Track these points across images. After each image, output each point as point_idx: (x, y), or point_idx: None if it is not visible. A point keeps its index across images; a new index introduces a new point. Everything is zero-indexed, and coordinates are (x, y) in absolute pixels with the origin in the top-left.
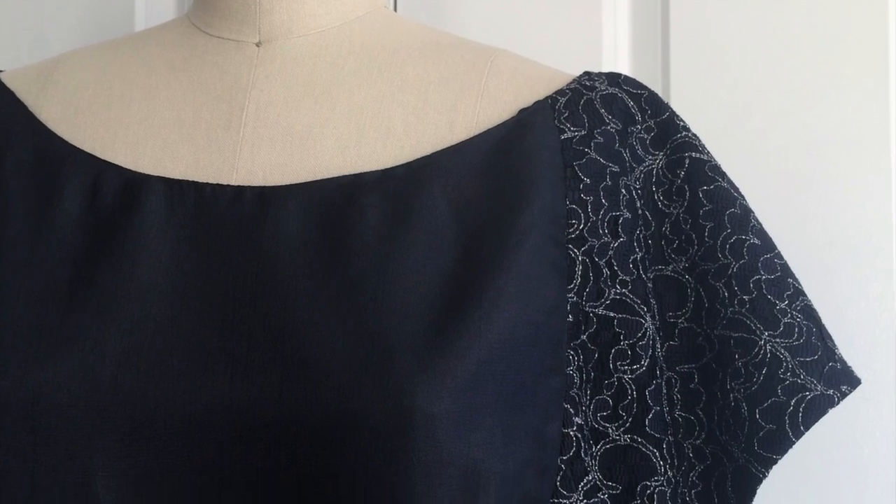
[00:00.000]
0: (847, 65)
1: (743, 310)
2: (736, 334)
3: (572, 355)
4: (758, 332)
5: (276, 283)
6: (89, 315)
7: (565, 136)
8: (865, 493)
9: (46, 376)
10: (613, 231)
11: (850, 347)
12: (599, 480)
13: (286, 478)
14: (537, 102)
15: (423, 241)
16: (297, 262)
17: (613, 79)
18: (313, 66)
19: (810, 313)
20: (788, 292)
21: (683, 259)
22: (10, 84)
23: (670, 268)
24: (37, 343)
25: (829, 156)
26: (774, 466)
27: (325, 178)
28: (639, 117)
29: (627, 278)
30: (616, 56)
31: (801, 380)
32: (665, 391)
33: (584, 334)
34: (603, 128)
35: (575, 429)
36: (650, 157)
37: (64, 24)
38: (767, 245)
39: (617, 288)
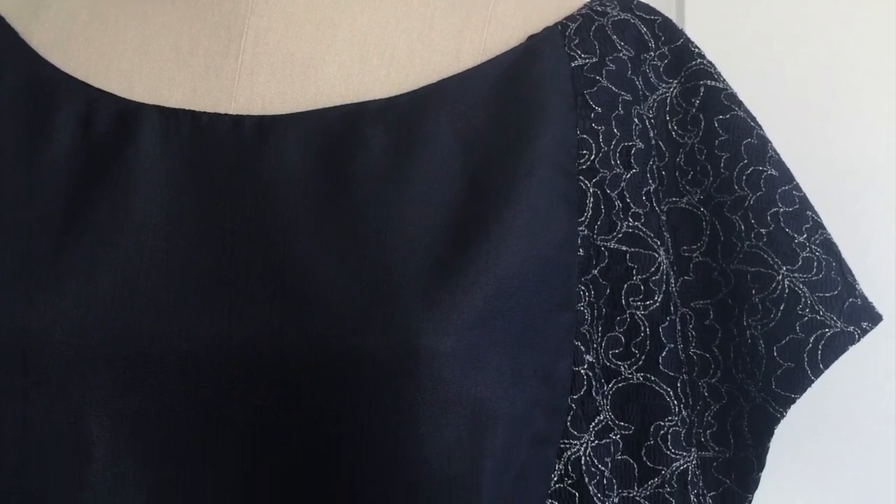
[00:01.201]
0: None
1: (760, 243)
2: (753, 269)
3: (583, 291)
4: (775, 266)
5: (276, 215)
6: (82, 250)
7: (576, 63)
8: (888, 433)
9: (37, 313)
10: (626, 162)
11: (871, 282)
12: (611, 420)
13: (286, 417)
14: (547, 28)
15: (429, 172)
16: (298, 194)
17: (626, 4)
18: None
19: (830, 247)
20: (807, 225)
21: (698, 191)
22: (0, 9)
23: (685, 200)
24: (28, 279)
25: (850, 83)
26: (793, 406)
27: (326, 106)
28: (652, 44)
29: (640, 211)
30: None
31: (821, 316)
32: (679, 328)
33: (595, 269)
34: (615, 55)
35: (586, 367)
36: (664, 85)
37: None
38: (785, 176)
39: (629, 221)
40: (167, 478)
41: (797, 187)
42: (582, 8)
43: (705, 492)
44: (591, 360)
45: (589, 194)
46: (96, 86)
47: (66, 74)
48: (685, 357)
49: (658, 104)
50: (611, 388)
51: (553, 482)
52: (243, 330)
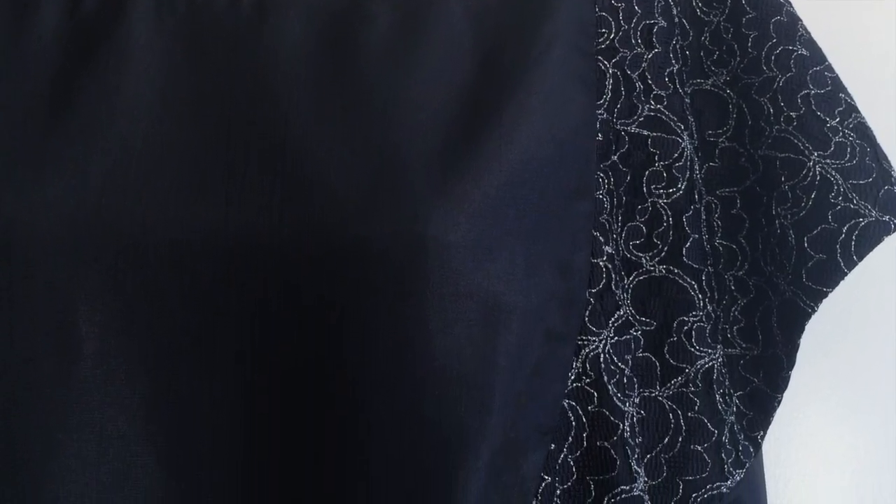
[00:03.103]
0: None
1: (790, 127)
2: (782, 154)
3: (602, 178)
4: (806, 152)
5: (276, 97)
6: (71, 135)
7: None
8: None
9: (24, 204)
10: (647, 41)
11: None
12: (632, 315)
13: (286, 310)
14: None
15: (438, 51)
16: (299, 74)
17: None
18: None
19: (864, 131)
20: (840, 108)
21: (724, 72)
22: None
23: (710, 81)
24: (13, 169)
25: None
26: (824, 300)
27: None
28: None
29: (663, 93)
30: None
31: (854, 204)
32: (704, 217)
33: (614, 154)
34: None
35: (605, 259)
36: None
37: None
38: (817, 56)
39: (651, 103)
40: (162, 381)
41: (829, 68)
42: None
43: (732, 391)
44: (610, 251)
45: (608, 75)
46: None
47: None
48: (710, 248)
49: None
50: (631, 282)
51: (570, 381)
52: (241, 217)
